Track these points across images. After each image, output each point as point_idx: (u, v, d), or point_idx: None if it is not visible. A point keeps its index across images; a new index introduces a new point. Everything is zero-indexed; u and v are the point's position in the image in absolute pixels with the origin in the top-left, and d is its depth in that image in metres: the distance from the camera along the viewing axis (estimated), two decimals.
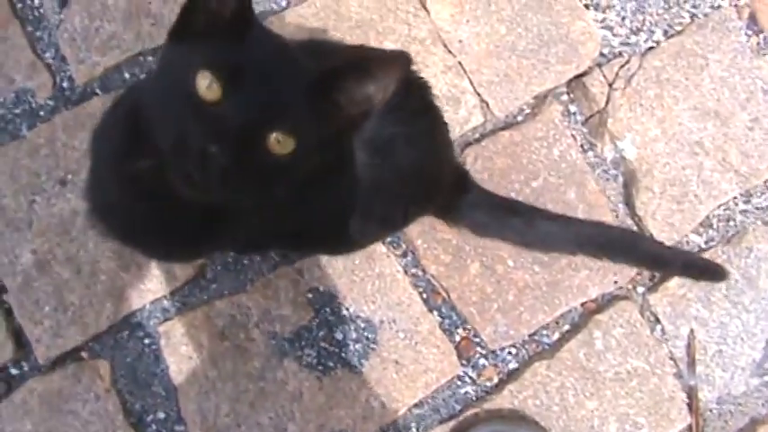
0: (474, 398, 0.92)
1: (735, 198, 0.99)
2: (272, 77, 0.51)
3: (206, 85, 0.50)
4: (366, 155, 0.70)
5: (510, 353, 0.93)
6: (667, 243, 0.96)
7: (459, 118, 0.95)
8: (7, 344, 0.89)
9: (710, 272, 0.95)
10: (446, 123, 0.83)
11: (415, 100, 0.74)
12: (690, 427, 0.93)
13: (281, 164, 0.52)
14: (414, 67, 0.73)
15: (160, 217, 0.64)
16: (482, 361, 0.93)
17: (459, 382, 0.91)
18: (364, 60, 0.54)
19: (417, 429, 0.91)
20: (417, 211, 0.84)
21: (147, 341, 0.91)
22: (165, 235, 0.70)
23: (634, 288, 0.96)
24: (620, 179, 0.97)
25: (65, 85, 0.94)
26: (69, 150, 0.92)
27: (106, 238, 0.89)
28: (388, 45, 0.94)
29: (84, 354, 0.90)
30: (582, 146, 0.97)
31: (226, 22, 0.52)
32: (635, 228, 0.96)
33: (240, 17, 0.52)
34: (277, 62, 0.53)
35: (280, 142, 0.51)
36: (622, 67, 0.97)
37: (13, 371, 0.89)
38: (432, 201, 0.85)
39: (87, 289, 0.90)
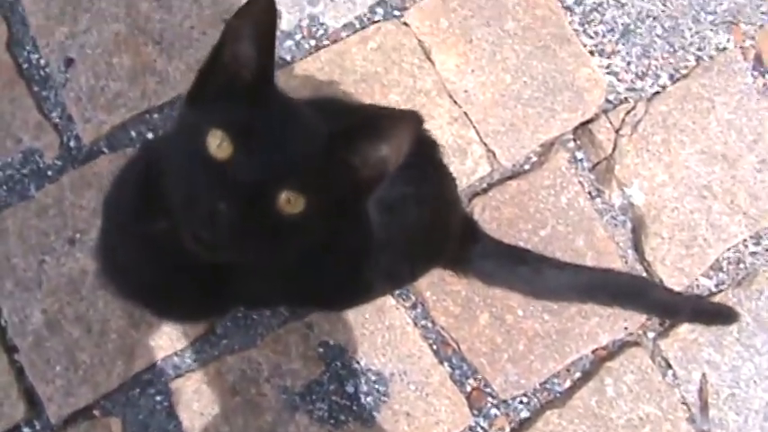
0: None
1: (744, 241, 1.02)
2: (284, 137, 0.54)
3: (217, 143, 0.53)
4: (376, 213, 0.73)
5: (521, 402, 0.97)
6: (677, 288, 0.99)
7: (466, 168, 0.98)
8: (19, 403, 0.93)
9: (721, 315, 0.99)
10: (454, 178, 0.87)
11: (423, 158, 0.77)
12: None
13: (292, 223, 0.55)
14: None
15: (172, 279, 0.67)
16: (493, 411, 0.96)
17: None
18: (376, 120, 0.56)
19: None
20: (426, 267, 0.87)
21: (158, 398, 0.94)
22: (176, 296, 0.73)
23: (644, 334, 0.99)
24: (629, 225, 1.00)
25: (72, 144, 0.98)
26: (77, 210, 0.96)
27: (116, 297, 0.92)
28: (394, 98, 0.98)
29: (95, 412, 0.94)
30: (589, 193, 1.00)
31: (244, 84, 0.54)
32: (644, 273, 1.00)
33: (261, 79, 0.54)
34: (289, 122, 0.56)
35: (290, 202, 0.54)
36: (628, 112, 1.01)
37: (26, 430, 0.94)
38: (440, 255, 0.88)
39: (98, 347, 0.94)
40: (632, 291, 0.97)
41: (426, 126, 0.85)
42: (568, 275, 0.96)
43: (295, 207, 0.55)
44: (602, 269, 0.99)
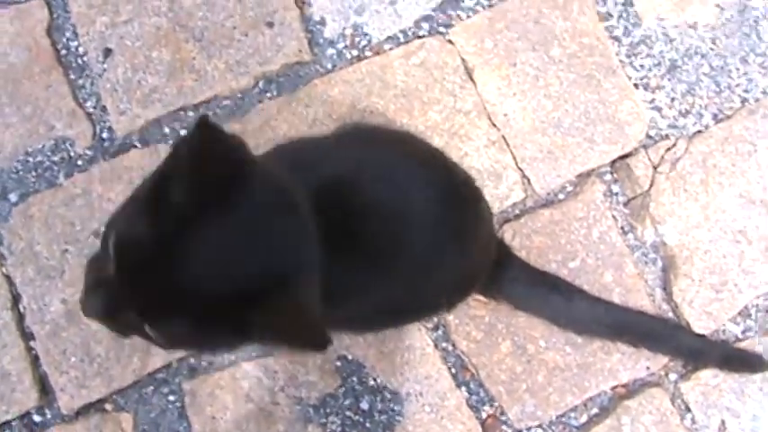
0: None
1: None
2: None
3: None
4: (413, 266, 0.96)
5: None
6: (704, 331, 1.28)
7: (500, 193, 1.25)
8: (32, 391, 1.22)
9: (749, 363, 1.28)
10: (491, 214, 1.11)
11: (462, 210, 1.02)
12: None
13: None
14: (457, 162, 1.08)
15: None
16: None
17: None
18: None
19: None
20: (463, 298, 1.13)
21: (171, 398, 1.21)
22: None
23: (666, 375, 1.25)
24: (659, 264, 1.26)
25: (104, 135, 1.25)
26: (105, 202, 1.23)
27: None
28: (433, 116, 1.24)
29: (107, 406, 1.23)
30: (622, 228, 1.26)
31: None
32: (671, 314, 1.27)
33: None
34: None
35: None
36: (669, 150, 1.28)
37: (36, 417, 1.22)
38: (473, 288, 1.12)
39: (115, 342, 1.22)
40: (661, 334, 1.26)
41: (462, 150, 1.11)
42: (599, 310, 1.25)
43: None
44: (632, 309, 1.27)
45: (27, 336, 1.21)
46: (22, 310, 1.21)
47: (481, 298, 1.24)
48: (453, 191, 1.00)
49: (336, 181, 0.85)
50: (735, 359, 1.28)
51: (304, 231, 0.74)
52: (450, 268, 0.99)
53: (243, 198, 0.69)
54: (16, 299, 1.22)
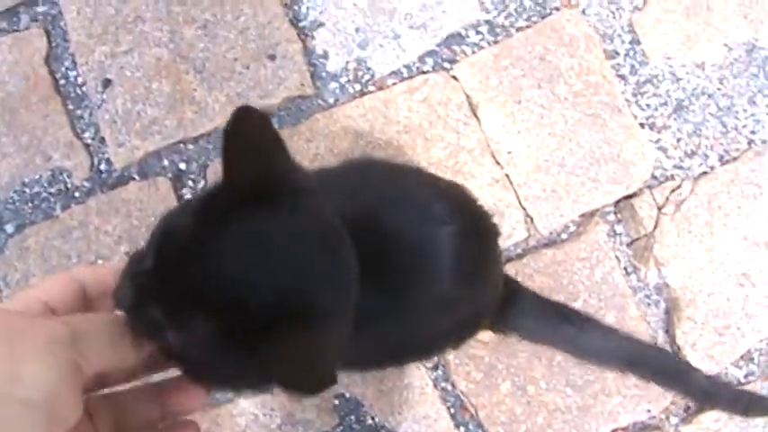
0: None
1: None
2: None
3: None
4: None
5: None
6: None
7: (503, 232, 1.24)
8: None
9: (761, 407, 1.29)
10: (501, 251, 1.11)
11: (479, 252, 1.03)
12: None
13: None
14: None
15: None
16: None
17: None
18: None
19: None
20: (468, 337, 1.14)
21: None
22: None
23: (667, 418, 1.27)
24: (663, 306, 1.28)
25: (102, 167, 1.26)
26: (102, 234, 1.24)
27: None
28: (436, 153, 1.25)
29: None
30: (625, 269, 1.28)
31: None
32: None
33: None
34: None
35: None
36: (674, 191, 1.30)
37: None
38: (481, 326, 1.14)
39: None
40: (674, 371, 1.28)
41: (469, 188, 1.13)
42: (613, 342, 1.26)
43: None
44: (647, 343, 1.29)
45: None
46: None
47: (482, 338, 1.27)
48: (473, 225, 1.00)
49: (354, 212, 0.81)
50: (748, 402, 1.29)
51: (347, 263, 0.71)
52: (465, 304, 1.00)
53: (287, 204, 0.67)
54: None
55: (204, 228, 0.65)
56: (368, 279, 0.77)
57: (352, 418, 1.26)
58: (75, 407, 0.56)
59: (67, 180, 1.29)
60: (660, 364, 1.27)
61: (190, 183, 1.29)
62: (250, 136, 0.64)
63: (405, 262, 0.88)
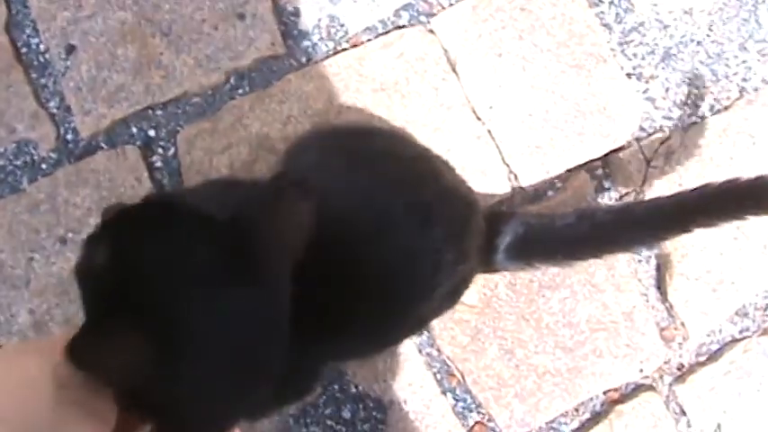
0: None
1: None
2: None
3: None
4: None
5: None
6: (699, 331, 1.25)
7: (486, 189, 1.20)
8: None
9: None
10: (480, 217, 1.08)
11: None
12: None
13: None
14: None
15: None
16: None
17: None
18: None
19: None
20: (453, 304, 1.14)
21: None
22: None
23: (660, 378, 1.25)
24: (653, 262, 1.26)
25: (68, 137, 1.23)
26: (71, 207, 1.22)
27: None
28: (414, 110, 1.24)
29: None
30: None
31: None
32: (666, 314, 1.23)
33: None
34: None
35: None
36: (663, 143, 1.26)
37: None
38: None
39: None
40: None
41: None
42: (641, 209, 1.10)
43: None
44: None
45: None
46: None
47: (468, 301, 1.24)
48: (441, 209, 0.96)
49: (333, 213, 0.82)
50: None
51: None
52: (444, 287, 0.98)
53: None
54: None
55: None
56: (357, 284, 0.84)
57: (336, 386, 1.23)
58: None
59: (33, 152, 1.25)
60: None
61: (159, 150, 1.25)
62: None
63: (385, 266, 0.89)
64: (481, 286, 1.24)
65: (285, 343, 0.74)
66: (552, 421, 1.25)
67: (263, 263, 0.71)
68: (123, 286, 0.66)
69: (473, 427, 1.25)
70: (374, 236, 0.89)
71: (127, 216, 0.71)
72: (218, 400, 0.72)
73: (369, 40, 1.30)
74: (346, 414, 1.23)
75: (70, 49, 1.26)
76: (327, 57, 1.29)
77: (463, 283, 1.08)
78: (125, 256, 0.68)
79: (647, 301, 1.28)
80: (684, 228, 1.02)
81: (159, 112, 1.27)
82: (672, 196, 1.05)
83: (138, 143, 1.26)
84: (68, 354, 0.62)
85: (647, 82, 1.32)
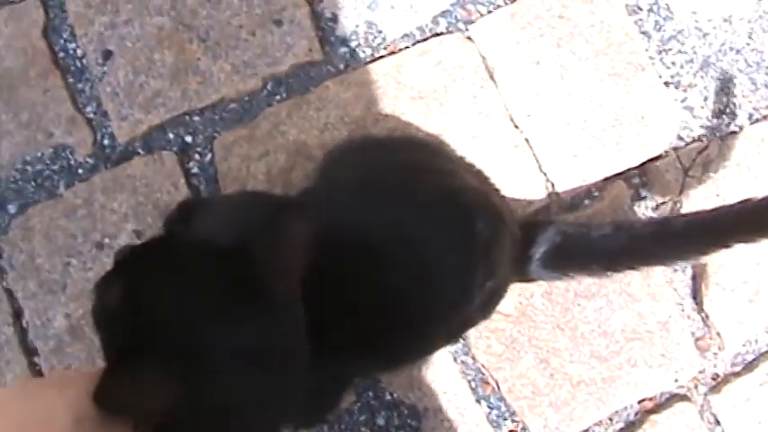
0: None
1: None
2: None
3: None
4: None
5: None
6: (735, 341, 1.24)
7: (523, 198, 1.20)
8: None
9: None
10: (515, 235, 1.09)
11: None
12: None
13: None
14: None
15: None
16: None
17: None
18: None
19: None
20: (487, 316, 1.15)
21: None
22: None
23: (695, 387, 1.25)
24: (689, 272, 1.26)
25: (105, 142, 1.23)
26: (108, 213, 1.23)
27: None
28: (452, 118, 1.25)
29: None
30: None
31: None
32: (701, 324, 1.22)
33: None
34: None
35: None
36: (701, 152, 1.25)
37: None
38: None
39: None
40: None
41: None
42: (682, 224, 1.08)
43: None
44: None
45: (30, 351, 1.22)
46: (24, 325, 1.22)
47: (504, 310, 1.23)
48: (469, 231, 0.95)
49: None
50: None
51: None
52: (474, 303, 0.99)
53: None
54: (18, 314, 1.23)
55: None
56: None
57: (371, 393, 1.23)
58: None
59: (70, 157, 1.26)
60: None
61: (196, 156, 1.25)
62: None
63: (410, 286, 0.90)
64: (517, 295, 1.25)
65: (304, 364, 0.76)
66: (586, 430, 1.25)
67: (271, 289, 0.73)
68: (140, 327, 0.69)
69: None
70: (402, 254, 0.90)
71: (136, 257, 0.74)
72: (245, 425, 0.75)
73: (406, 47, 1.30)
74: (380, 421, 1.23)
75: (107, 55, 1.27)
76: (365, 63, 1.29)
77: (495, 296, 1.09)
78: (138, 296, 0.70)
79: (683, 311, 1.27)
80: (724, 243, 1.01)
81: (196, 118, 1.27)
82: (711, 211, 1.04)
83: (174, 149, 1.26)
84: (98, 399, 0.64)
85: (685, 91, 1.31)
